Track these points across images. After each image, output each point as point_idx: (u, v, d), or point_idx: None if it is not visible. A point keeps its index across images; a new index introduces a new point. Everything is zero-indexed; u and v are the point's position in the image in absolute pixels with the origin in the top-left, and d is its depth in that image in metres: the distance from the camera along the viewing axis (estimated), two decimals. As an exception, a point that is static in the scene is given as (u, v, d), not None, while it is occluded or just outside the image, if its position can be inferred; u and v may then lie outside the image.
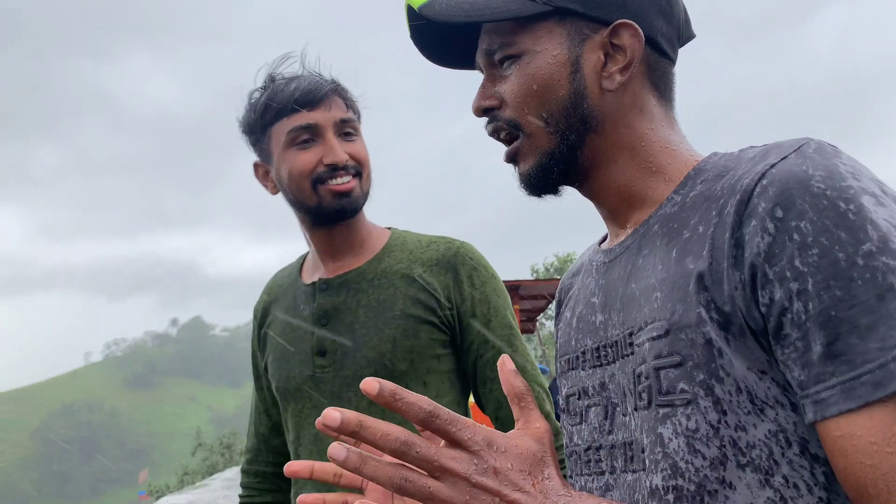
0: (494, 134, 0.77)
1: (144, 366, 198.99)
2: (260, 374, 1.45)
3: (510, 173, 0.77)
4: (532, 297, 10.60)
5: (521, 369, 1.28)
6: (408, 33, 0.80)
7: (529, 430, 0.60)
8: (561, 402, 0.81)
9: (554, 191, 0.77)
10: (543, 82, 0.72)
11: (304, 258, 1.44)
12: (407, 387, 1.23)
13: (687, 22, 0.78)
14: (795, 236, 0.56)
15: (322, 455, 1.24)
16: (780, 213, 0.57)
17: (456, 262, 1.29)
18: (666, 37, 0.74)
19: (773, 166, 0.60)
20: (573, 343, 0.80)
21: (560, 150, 0.73)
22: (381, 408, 1.19)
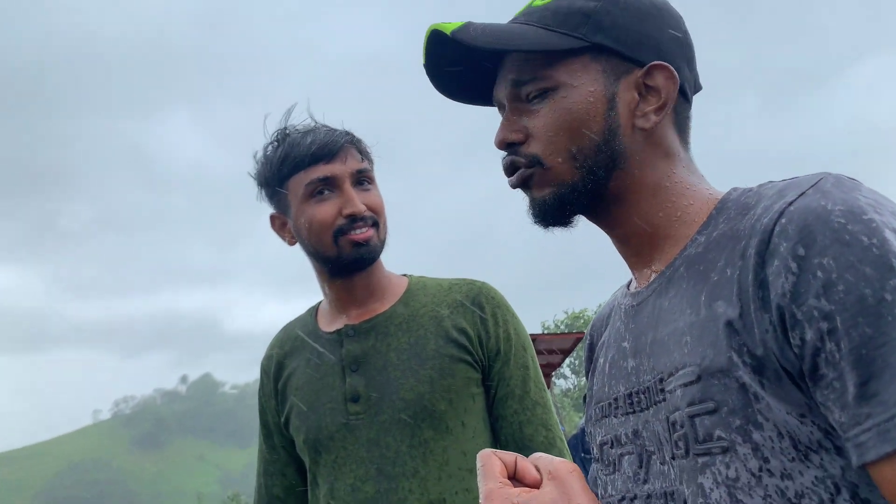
0: (510, 167, 0.76)
1: (153, 424, 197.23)
2: (271, 433, 1.41)
3: (521, 224, 0.76)
4: (547, 351, 10.60)
5: (531, 410, 1.28)
6: (422, 61, 0.78)
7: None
8: (594, 451, 0.80)
9: (565, 223, 0.76)
10: (579, 117, 0.72)
11: (316, 308, 1.43)
12: (446, 427, 1.23)
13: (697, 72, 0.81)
14: (819, 273, 0.55)
15: None
16: (801, 252, 0.56)
17: (481, 301, 1.31)
18: (689, 82, 0.77)
19: (791, 204, 0.59)
20: (606, 389, 0.79)
21: (584, 184, 0.73)
22: (421, 451, 1.20)
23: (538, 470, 0.62)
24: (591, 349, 0.89)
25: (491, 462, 0.62)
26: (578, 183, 0.73)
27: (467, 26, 0.74)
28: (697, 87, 0.80)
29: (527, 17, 0.75)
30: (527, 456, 1.21)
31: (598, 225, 0.77)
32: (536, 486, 0.60)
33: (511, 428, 1.27)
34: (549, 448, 1.27)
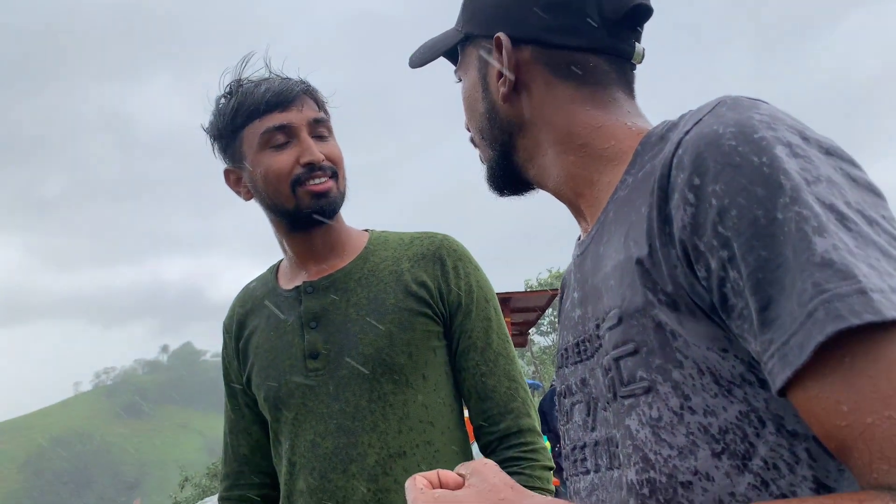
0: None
1: (135, 394, 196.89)
2: (235, 392, 1.40)
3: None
4: (523, 309, 10.54)
5: (494, 361, 1.26)
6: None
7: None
8: (556, 402, 0.81)
9: (510, 191, 0.83)
10: (469, 104, 0.81)
11: (276, 267, 1.41)
12: (406, 381, 1.22)
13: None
14: (714, 201, 0.54)
15: (318, 461, 1.21)
16: (697, 181, 0.55)
17: (442, 254, 1.29)
18: (555, 29, 0.73)
19: (687, 133, 0.58)
20: (561, 341, 0.80)
21: (496, 157, 0.80)
22: (381, 405, 1.20)
23: (462, 476, 0.62)
24: (561, 302, 0.90)
25: (413, 480, 0.62)
26: (494, 156, 0.80)
27: (415, 53, 0.88)
28: (613, 15, 0.73)
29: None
30: (490, 406, 1.23)
31: (537, 187, 0.81)
32: (461, 486, 0.61)
33: (473, 379, 1.26)
34: (512, 398, 1.26)
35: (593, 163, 0.73)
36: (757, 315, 0.52)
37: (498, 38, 0.74)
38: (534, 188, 0.81)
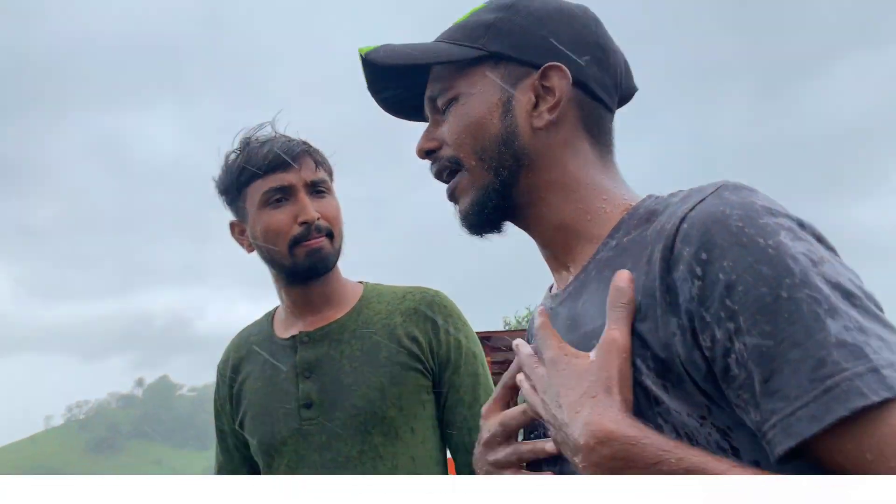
0: (438, 175, 0.82)
1: (108, 429, 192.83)
2: (226, 435, 1.45)
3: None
4: (503, 349, 10.37)
5: (477, 415, 1.26)
6: (364, 85, 0.84)
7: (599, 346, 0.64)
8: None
9: (493, 228, 0.80)
10: (476, 121, 0.77)
11: (272, 314, 1.47)
12: (396, 434, 1.27)
13: (627, 74, 0.82)
14: (721, 276, 0.57)
15: None
16: (704, 256, 0.59)
17: (434, 310, 1.34)
18: (599, 82, 0.78)
19: (692, 209, 0.62)
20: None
21: (494, 185, 0.77)
22: (371, 456, 1.24)
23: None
24: None
25: (549, 332, 0.69)
26: (489, 185, 0.77)
27: (379, 48, 0.81)
28: (627, 89, 0.82)
29: (444, 34, 0.81)
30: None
31: (522, 228, 0.81)
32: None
33: (461, 434, 1.31)
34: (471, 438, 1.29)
35: (585, 220, 0.75)
36: (760, 386, 0.55)
37: (559, 67, 0.75)
38: (501, 229, 0.81)
